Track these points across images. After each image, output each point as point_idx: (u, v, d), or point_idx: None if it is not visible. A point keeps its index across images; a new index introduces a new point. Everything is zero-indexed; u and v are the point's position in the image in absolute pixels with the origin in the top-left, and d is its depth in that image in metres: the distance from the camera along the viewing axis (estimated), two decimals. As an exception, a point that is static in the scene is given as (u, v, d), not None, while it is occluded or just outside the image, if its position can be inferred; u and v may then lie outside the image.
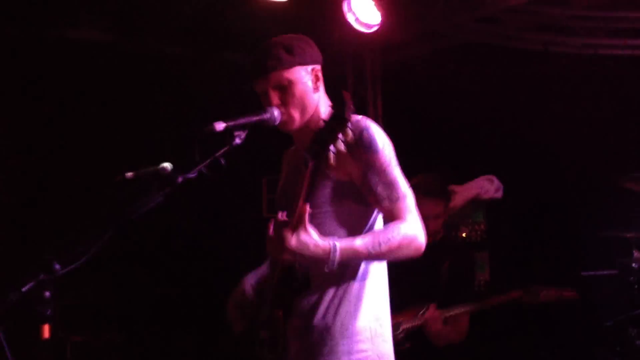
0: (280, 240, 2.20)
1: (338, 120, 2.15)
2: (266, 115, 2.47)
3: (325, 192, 2.40)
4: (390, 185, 2.38)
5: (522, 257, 6.57)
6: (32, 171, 6.48)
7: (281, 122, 2.50)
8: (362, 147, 2.35)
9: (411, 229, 2.36)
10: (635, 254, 5.61)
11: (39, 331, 2.00)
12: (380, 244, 2.30)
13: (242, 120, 2.40)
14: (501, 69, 6.84)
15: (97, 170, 5.64)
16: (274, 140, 2.87)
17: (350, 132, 2.17)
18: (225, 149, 2.35)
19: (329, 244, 2.24)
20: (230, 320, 2.67)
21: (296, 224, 2.19)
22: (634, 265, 5.48)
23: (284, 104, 2.49)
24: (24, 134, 6.46)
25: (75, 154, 6.58)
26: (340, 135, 2.13)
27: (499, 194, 6.37)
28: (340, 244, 2.26)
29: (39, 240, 5.98)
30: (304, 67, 2.51)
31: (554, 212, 6.66)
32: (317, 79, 2.54)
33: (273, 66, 2.47)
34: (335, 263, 2.25)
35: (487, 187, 6.41)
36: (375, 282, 2.49)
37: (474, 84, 6.84)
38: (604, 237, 5.81)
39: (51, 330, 2.00)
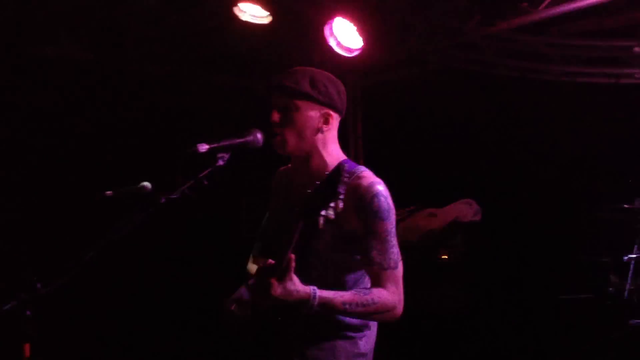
0: (266, 288, 2.22)
1: (331, 190, 2.17)
2: (249, 138, 2.48)
3: (327, 239, 2.42)
4: (385, 253, 2.42)
5: (501, 280, 6.62)
6: (13, 190, 6.43)
7: (275, 142, 2.51)
8: (370, 212, 2.39)
9: (392, 300, 2.42)
10: (612, 278, 5.67)
11: (21, 350, 1.99)
12: (358, 305, 2.36)
13: (225, 143, 2.42)
14: (480, 94, 6.92)
15: (78, 188, 5.63)
16: (254, 162, 2.88)
17: (341, 203, 2.17)
18: (209, 170, 2.37)
19: (309, 293, 2.28)
20: (225, 323, 2.65)
21: (282, 273, 2.22)
22: (610, 289, 5.54)
23: (282, 125, 2.49)
24: (3, 153, 6.41)
25: (57, 173, 6.54)
26: (332, 204, 2.15)
27: (478, 218, 6.43)
28: (319, 295, 2.30)
29: (21, 259, 5.92)
30: (317, 104, 2.50)
31: (531, 236, 6.73)
32: (325, 122, 2.52)
33: (290, 87, 2.47)
34: (313, 311, 2.30)
35: (466, 210, 6.47)
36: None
37: (453, 108, 6.91)
38: (581, 262, 5.87)
39: (32, 349, 2.00)
